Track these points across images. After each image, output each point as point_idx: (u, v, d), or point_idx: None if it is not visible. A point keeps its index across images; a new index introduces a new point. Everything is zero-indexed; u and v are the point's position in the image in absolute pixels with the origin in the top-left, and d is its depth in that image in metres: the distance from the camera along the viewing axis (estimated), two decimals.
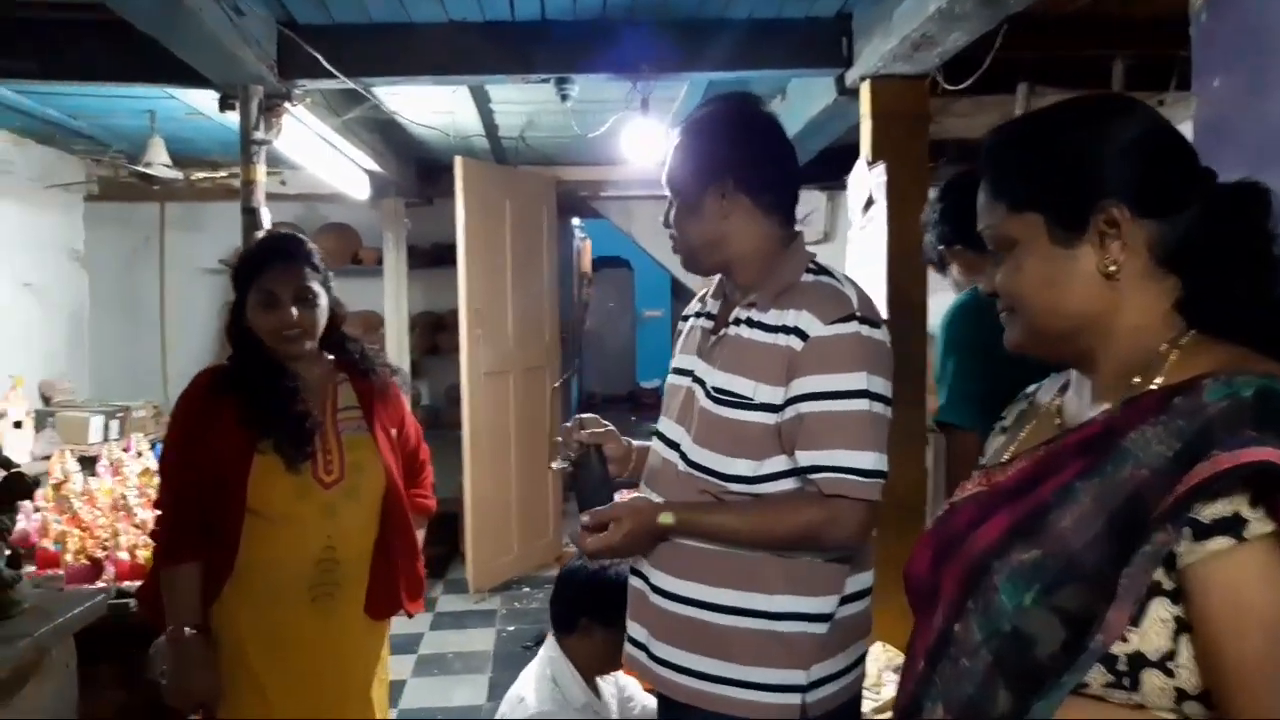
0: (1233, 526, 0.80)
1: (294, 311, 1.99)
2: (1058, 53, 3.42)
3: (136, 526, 2.89)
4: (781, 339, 1.55)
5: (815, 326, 1.53)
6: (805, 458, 1.52)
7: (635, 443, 1.80)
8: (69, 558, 2.73)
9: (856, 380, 1.51)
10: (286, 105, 3.34)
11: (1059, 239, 0.97)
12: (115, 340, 5.83)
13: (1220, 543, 0.80)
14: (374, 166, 4.89)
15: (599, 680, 2.42)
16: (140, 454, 3.67)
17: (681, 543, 1.59)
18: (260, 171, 3.30)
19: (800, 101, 4.10)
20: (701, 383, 1.64)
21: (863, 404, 1.51)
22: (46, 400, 5.14)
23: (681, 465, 1.63)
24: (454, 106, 4.40)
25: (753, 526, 1.54)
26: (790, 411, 1.53)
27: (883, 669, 2.98)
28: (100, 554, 2.76)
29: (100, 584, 2.66)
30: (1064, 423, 1.04)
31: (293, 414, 1.99)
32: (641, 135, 3.83)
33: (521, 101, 4.40)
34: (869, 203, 3.23)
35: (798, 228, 1.72)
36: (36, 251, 5.27)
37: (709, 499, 1.59)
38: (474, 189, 5.02)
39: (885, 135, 3.18)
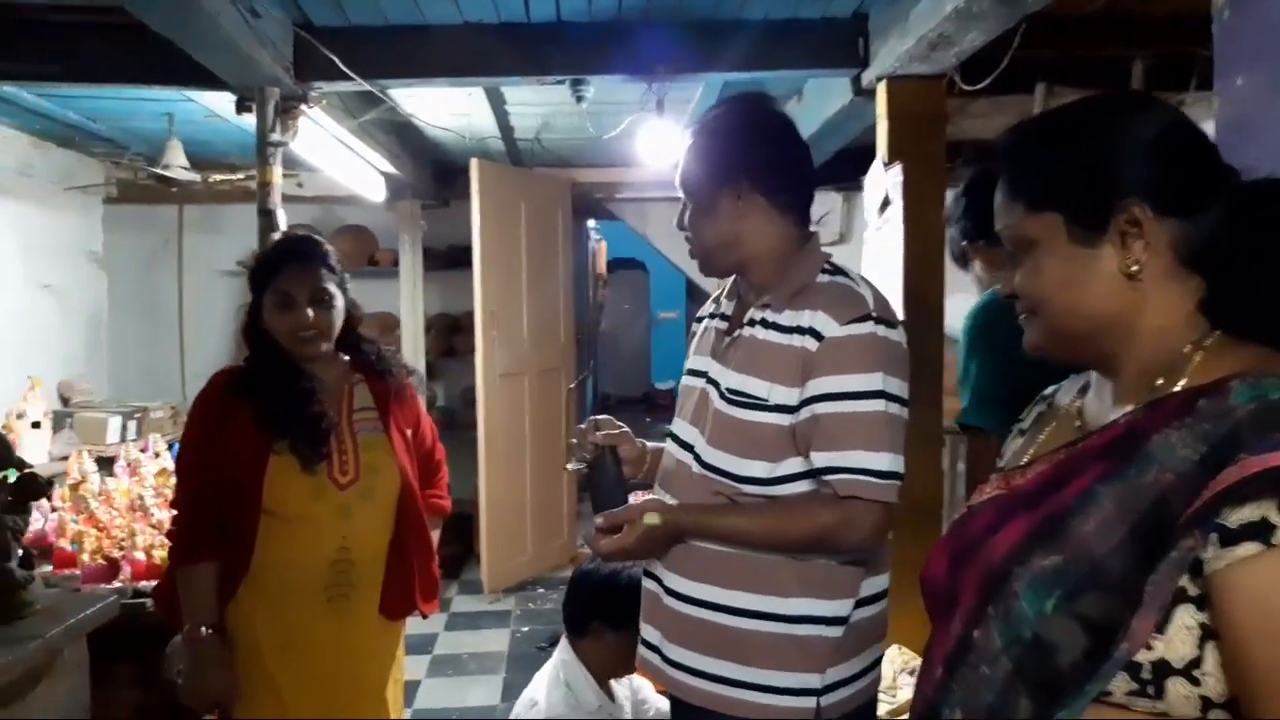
0: (1261, 532, 0.78)
1: (310, 313, 2.00)
2: (1076, 52, 3.40)
3: (153, 527, 2.90)
4: (796, 340, 1.54)
5: (831, 327, 1.52)
6: (820, 459, 1.51)
7: (650, 444, 1.80)
8: (85, 558, 2.74)
9: (872, 381, 1.50)
10: (303, 107, 3.35)
11: (1079, 239, 0.95)
12: (133, 341, 5.87)
13: (1248, 548, 0.78)
14: (390, 168, 4.90)
15: (613, 683, 2.42)
16: (157, 454, 3.68)
17: (696, 545, 1.58)
18: (277, 173, 3.31)
19: (816, 102, 4.09)
20: (716, 384, 1.63)
21: (878, 404, 1.50)
22: (65, 401, 5.18)
23: (696, 467, 1.62)
24: (469, 108, 4.40)
25: (767, 529, 1.53)
26: (805, 412, 1.52)
27: (898, 671, 2.96)
28: (117, 554, 2.77)
29: (116, 584, 2.67)
30: (1084, 425, 1.02)
31: (308, 415, 2.00)
32: (657, 136, 3.82)
33: (537, 103, 4.40)
34: (885, 203, 3.21)
35: (813, 228, 1.70)
36: (55, 253, 5.32)
37: (723, 500, 1.58)
38: (489, 191, 5.03)
39: (902, 136, 3.16)
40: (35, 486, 2.05)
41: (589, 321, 8.42)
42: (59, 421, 4.79)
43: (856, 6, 3.21)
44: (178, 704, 2.03)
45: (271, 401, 1.99)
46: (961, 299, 3.42)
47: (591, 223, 8.37)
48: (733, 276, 1.74)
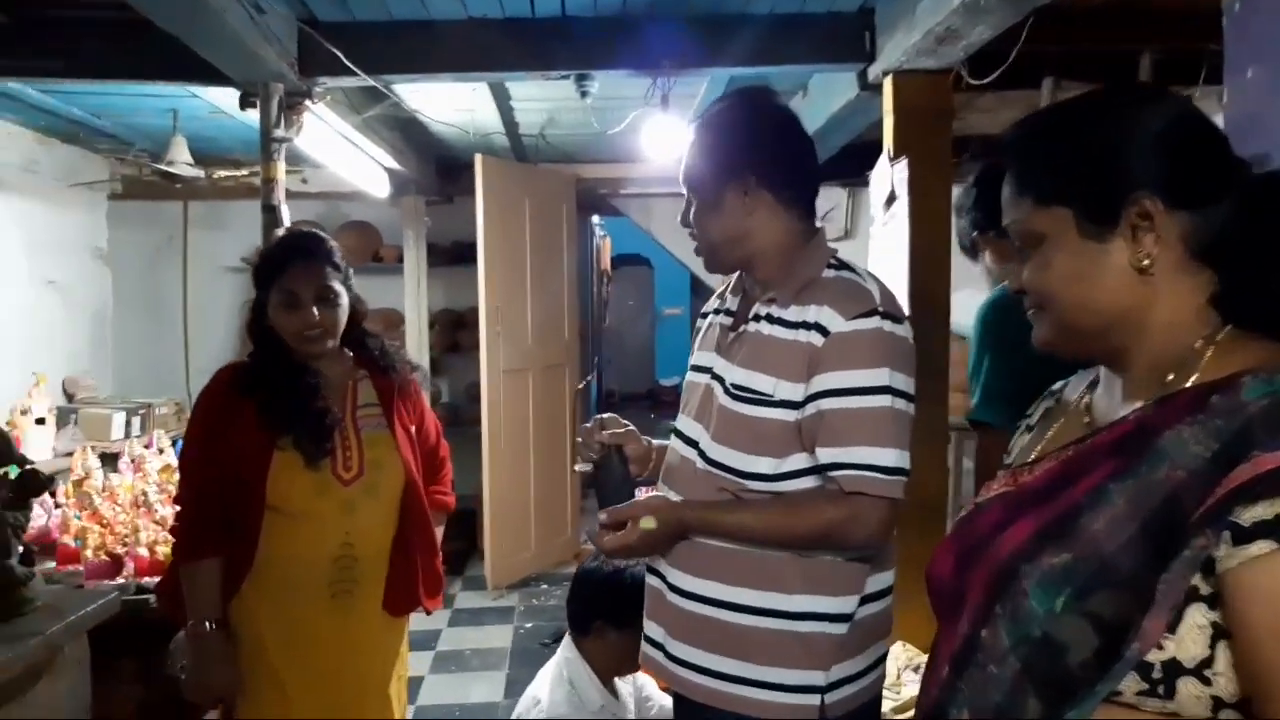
0: (1274, 530, 0.76)
1: (315, 311, 2.00)
2: (1084, 46, 3.37)
3: (157, 523, 2.90)
4: (802, 335, 1.53)
5: (837, 322, 1.50)
6: (826, 455, 1.50)
7: (655, 441, 1.79)
8: (89, 554, 2.74)
9: (879, 376, 1.49)
10: (307, 103, 3.34)
11: (1089, 233, 0.94)
12: (138, 338, 5.88)
13: (1261, 546, 0.76)
14: (394, 164, 4.90)
15: (617, 681, 2.41)
16: (162, 450, 3.68)
17: (700, 541, 1.58)
18: (280, 169, 3.30)
19: (822, 97, 4.07)
20: (721, 380, 1.62)
21: (885, 400, 1.49)
22: (69, 397, 5.19)
23: (700, 463, 1.61)
24: (474, 104, 4.40)
25: (772, 525, 1.52)
26: (811, 408, 1.51)
27: (903, 668, 2.95)
28: (120, 550, 2.77)
29: (120, 580, 2.67)
30: (1093, 421, 1.01)
31: (312, 411, 1.99)
32: (662, 132, 3.81)
33: (542, 99, 4.39)
34: (891, 199, 3.20)
35: (819, 224, 1.69)
36: (60, 250, 5.32)
37: (728, 497, 1.57)
38: (494, 187, 5.02)
39: (908, 131, 3.15)
40: (36, 483, 2.05)
41: (593, 318, 8.42)
42: (63, 417, 4.80)
43: (863, 0, 3.20)
44: (181, 700, 2.04)
45: (276, 397, 1.99)
46: (967, 294, 3.41)
47: (596, 219, 8.36)
48: (738, 272, 1.73)
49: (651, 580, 1.69)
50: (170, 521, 2.40)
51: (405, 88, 3.96)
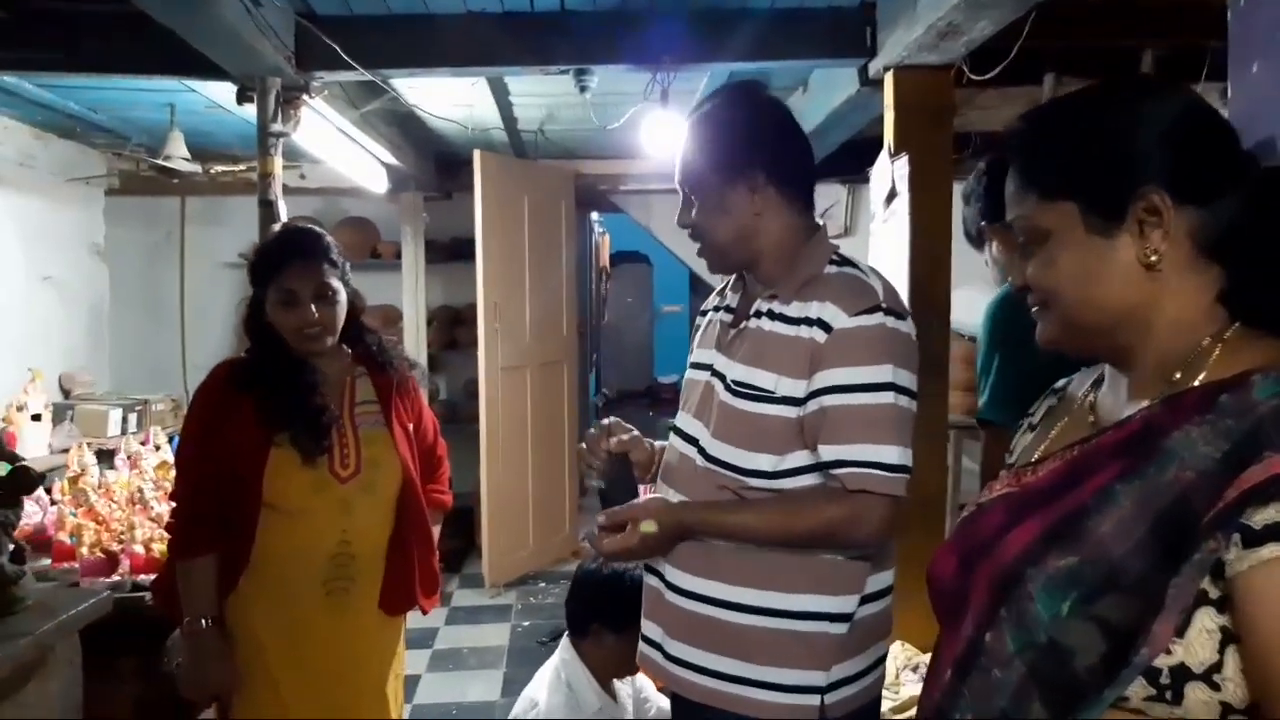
0: None
1: (314, 309, 1.98)
2: (1085, 42, 3.36)
3: (152, 520, 2.89)
4: (804, 331, 1.51)
5: (840, 318, 1.49)
6: (828, 452, 1.48)
7: (657, 443, 1.77)
8: (84, 551, 2.73)
9: (882, 373, 1.48)
10: (304, 97, 3.32)
11: (1095, 228, 0.92)
12: (135, 334, 5.87)
13: (1273, 550, 0.75)
14: (392, 160, 4.88)
15: (615, 682, 2.40)
16: (158, 447, 3.67)
17: (699, 540, 1.56)
18: (277, 164, 3.29)
19: (822, 93, 4.06)
20: (721, 376, 1.60)
21: (888, 397, 1.48)
22: (66, 393, 5.17)
23: (700, 460, 1.59)
24: (473, 99, 4.38)
25: (774, 524, 1.50)
26: (813, 405, 1.49)
27: (901, 668, 2.94)
28: (116, 547, 2.75)
29: (115, 577, 2.65)
30: (1098, 421, 0.99)
31: (310, 408, 1.98)
32: (662, 128, 3.79)
33: (540, 94, 4.38)
34: (892, 195, 3.18)
35: (819, 221, 1.68)
36: (57, 245, 5.31)
37: (728, 495, 1.56)
38: (492, 183, 5.00)
39: (909, 127, 3.13)
40: (27, 480, 2.03)
41: (592, 315, 8.41)
42: (59, 414, 4.78)
43: None
44: (177, 697, 2.03)
45: (273, 394, 1.98)
46: (968, 292, 3.40)
47: (595, 215, 8.35)
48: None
49: (650, 579, 1.68)
50: (166, 518, 2.39)
51: (404, 82, 3.94)
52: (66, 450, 3.70)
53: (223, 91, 3.63)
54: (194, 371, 5.65)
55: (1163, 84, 0.96)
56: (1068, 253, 0.94)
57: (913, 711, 2.66)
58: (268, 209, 3.25)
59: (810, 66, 3.94)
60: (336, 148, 4.16)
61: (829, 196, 5.79)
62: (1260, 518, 0.76)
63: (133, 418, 4.94)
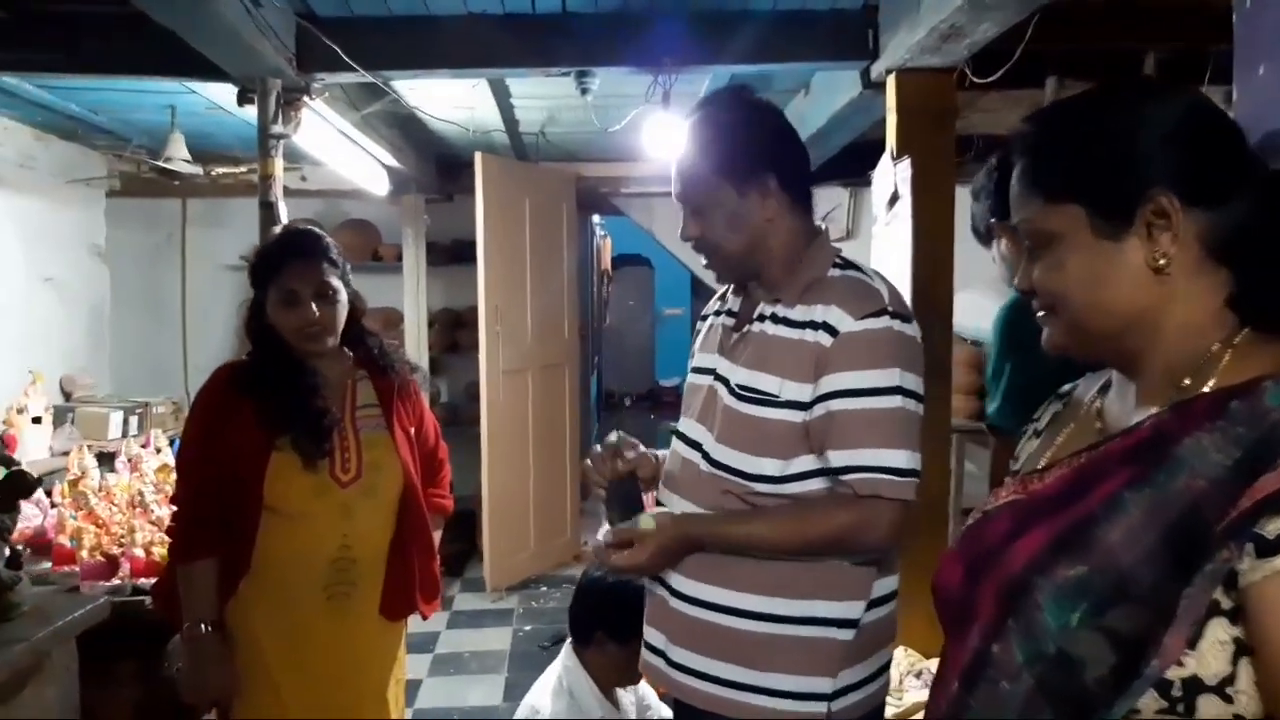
0: None
1: (315, 308, 1.98)
2: (1088, 45, 3.35)
3: (153, 523, 2.88)
4: (809, 335, 1.50)
5: (846, 322, 1.48)
6: (837, 457, 1.47)
7: (660, 453, 1.76)
8: (84, 554, 2.72)
9: (889, 377, 1.47)
10: (305, 99, 3.32)
11: (1103, 231, 0.91)
12: (136, 336, 5.86)
13: None
14: (393, 162, 4.88)
15: (618, 690, 2.39)
16: (159, 450, 3.66)
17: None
18: (278, 166, 3.28)
19: (824, 95, 4.05)
20: (725, 380, 1.59)
21: (896, 401, 1.47)
22: (66, 396, 5.17)
23: (704, 465, 1.58)
24: (474, 101, 4.37)
25: (783, 534, 1.49)
26: (819, 409, 1.48)
27: (904, 674, 2.92)
28: (116, 550, 2.74)
29: (115, 581, 2.65)
30: (1105, 427, 0.98)
31: (311, 411, 1.97)
32: (663, 130, 3.78)
33: (542, 96, 4.37)
34: (894, 198, 3.17)
35: (821, 224, 1.67)
36: (58, 247, 5.30)
37: (732, 500, 1.54)
38: (494, 185, 5.00)
39: (911, 129, 3.12)
40: (24, 484, 2.02)
41: (593, 318, 8.40)
42: (60, 416, 4.77)
43: None
44: (178, 702, 2.02)
45: (274, 397, 1.97)
46: (970, 296, 3.39)
47: (596, 218, 8.34)
48: None
49: (652, 586, 1.66)
50: (167, 522, 2.38)
51: (405, 84, 3.93)
52: (67, 453, 3.69)
53: (224, 93, 3.63)
54: (195, 374, 5.64)
55: (1170, 85, 0.95)
56: (1075, 256, 0.93)
57: (916, 717, 2.65)
58: (268, 211, 3.24)
59: (812, 69, 3.93)
60: (337, 150, 4.15)
61: (831, 199, 5.77)
62: (1274, 527, 0.74)
63: (133, 420, 4.93)
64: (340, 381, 2.08)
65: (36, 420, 4.52)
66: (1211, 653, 0.77)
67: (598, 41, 3.32)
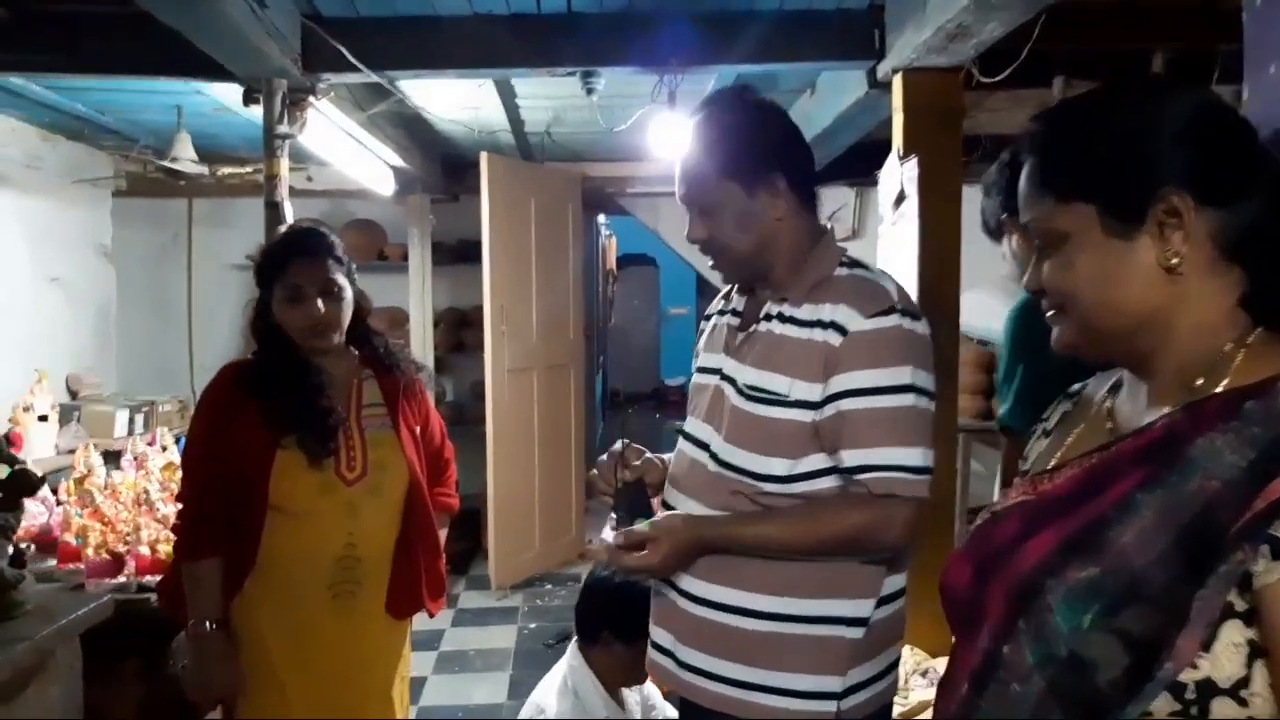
0: None
1: (320, 305, 1.98)
2: (1095, 45, 3.34)
3: (159, 521, 2.88)
4: (818, 334, 1.50)
5: (855, 320, 1.47)
6: (851, 457, 1.47)
7: (666, 456, 1.75)
8: (90, 552, 2.71)
9: (901, 375, 1.46)
10: (311, 99, 3.32)
11: (1114, 231, 0.90)
12: (142, 335, 5.87)
13: None
14: (399, 162, 4.88)
15: (623, 690, 2.38)
16: (165, 448, 3.65)
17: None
18: (284, 166, 3.28)
19: (830, 95, 4.04)
20: (732, 380, 1.58)
21: (908, 399, 1.46)
22: (73, 394, 5.17)
23: (712, 465, 1.58)
24: (480, 101, 4.37)
25: (797, 535, 1.48)
26: (830, 409, 1.48)
27: (910, 673, 2.92)
28: (121, 549, 2.74)
29: (121, 579, 2.65)
30: (1116, 428, 0.97)
31: (316, 410, 1.98)
32: (669, 130, 3.78)
33: (547, 96, 4.37)
34: (900, 198, 3.16)
35: (826, 224, 1.66)
36: (64, 246, 5.31)
37: (741, 500, 1.54)
38: (499, 185, 5.00)
39: (918, 129, 3.11)
40: (28, 483, 2.02)
41: (598, 317, 8.40)
42: (66, 415, 4.78)
43: None
44: (182, 699, 2.02)
45: (279, 396, 1.97)
46: (976, 295, 3.38)
47: (601, 218, 8.33)
48: None
49: (660, 586, 1.65)
50: (172, 520, 2.38)
51: (410, 84, 3.93)
52: (73, 451, 3.69)
53: (230, 93, 3.62)
54: (201, 373, 5.64)
55: (1181, 83, 0.95)
56: (1085, 255, 0.93)
57: (922, 716, 2.64)
58: (274, 211, 3.24)
59: (818, 68, 3.92)
60: (343, 150, 4.15)
61: (836, 199, 5.75)
62: None
63: (139, 419, 4.94)
64: (346, 380, 2.08)
65: (43, 418, 4.52)
66: (1225, 655, 0.76)
67: (603, 41, 3.32)
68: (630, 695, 2.41)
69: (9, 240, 4.80)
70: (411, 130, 4.94)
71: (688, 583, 1.58)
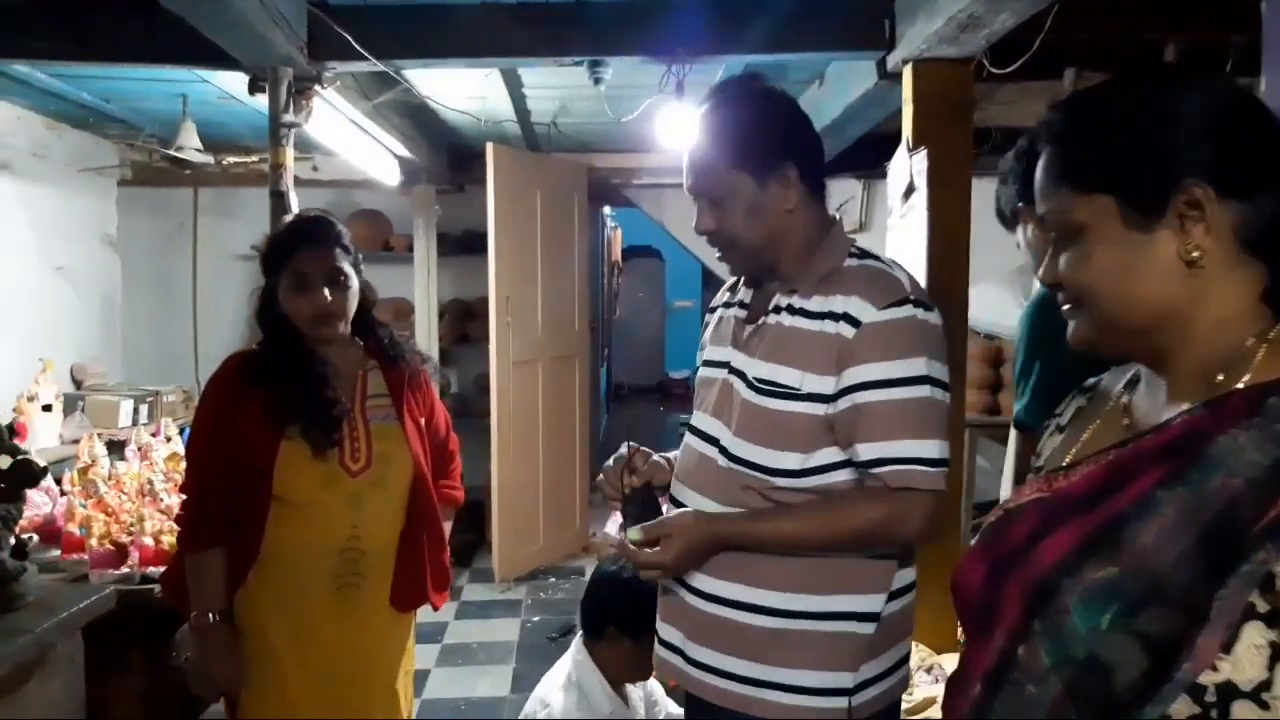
0: None
1: (327, 293, 1.97)
2: (1107, 36, 3.31)
3: (162, 512, 2.87)
4: (830, 326, 1.48)
5: (868, 312, 1.45)
6: (867, 450, 1.45)
7: (672, 455, 1.73)
8: (94, 542, 2.71)
9: (916, 366, 1.44)
10: (316, 88, 3.30)
11: (1134, 223, 0.88)
12: (147, 325, 5.87)
13: None
14: (405, 152, 4.86)
15: (627, 685, 2.37)
16: (169, 439, 3.65)
17: None
18: (289, 155, 3.26)
19: (840, 86, 4.01)
20: (741, 374, 1.56)
21: (924, 390, 1.44)
22: (77, 384, 5.17)
23: (722, 460, 1.56)
24: (486, 91, 4.35)
25: (813, 531, 1.47)
26: (845, 402, 1.46)
27: (915, 669, 2.90)
28: (125, 539, 2.74)
29: (124, 569, 2.64)
30: (1133, 424, 0.95)
31: (321, 400, 1.96)
32: (677, 120, 3.75)
33: (554, 86, 4.35)
34: (909, 190, 3.14)
35: (835, 215, 1.64)
36: (69, 235, 5.31)
37: (753, 495, 1.52)
38: (505, 176, 4.98)
39: (927, 121, 3.09)
40: (30, 474, 2.01)
41: (603, 309, 8.38)
42: (70, 404, 4.77)
43: None
44: (185, 691, 2.01)
45: (284, 386, 1.96)
46: (985, 289, 3.36)
47: (607, 209, 8.31)
48: None
49: (668, 582, 1.63)
50: (176, 511, 2.37)
51: (416, 73, 3.92)
52: (77, 441, 3.69)
53: (235, 82, 3.61)
54: (205, 363, 5.65)
55: (1202, 72, 0.92)
56: (1104, 248, 0.90)
57: (927, 713, 2.63)
58: (280, 200, 3.23)
59: (827, 59, 3.89)
60: (349, 139, 4.14)
61: (844, 191, 5.73)
62: None
63: (144, 409, 4.93)
64: (351, 371, 2.07)
65: (47, 408, 4.52)
66: (1247, 657, 0.74)
67: (611, 31, 3.30)
68: (634, 691, 2.40)
69: (14, 229, 4.80)
70: (417, 120, 4.92)
71: (697, 580, 1.56)
